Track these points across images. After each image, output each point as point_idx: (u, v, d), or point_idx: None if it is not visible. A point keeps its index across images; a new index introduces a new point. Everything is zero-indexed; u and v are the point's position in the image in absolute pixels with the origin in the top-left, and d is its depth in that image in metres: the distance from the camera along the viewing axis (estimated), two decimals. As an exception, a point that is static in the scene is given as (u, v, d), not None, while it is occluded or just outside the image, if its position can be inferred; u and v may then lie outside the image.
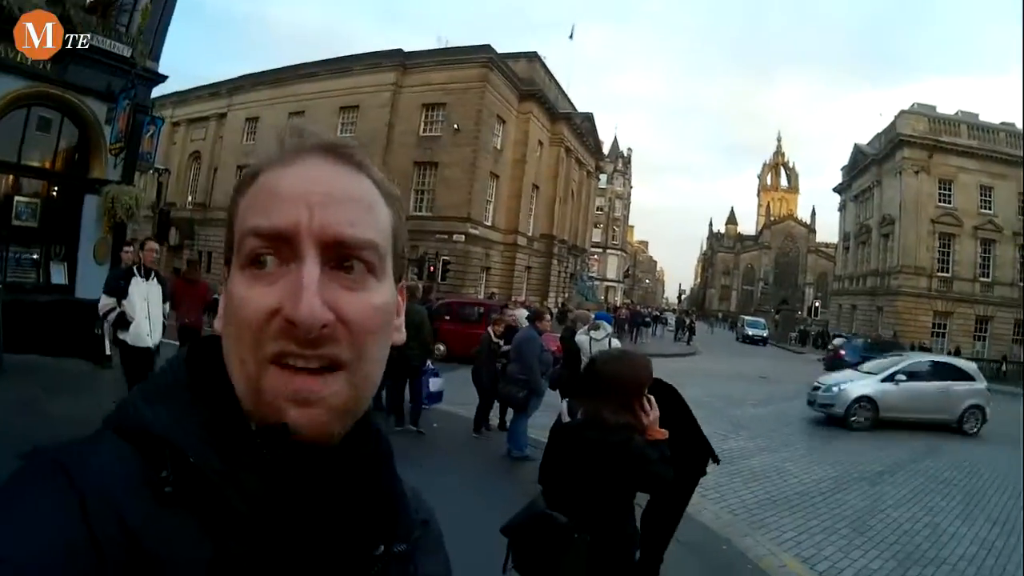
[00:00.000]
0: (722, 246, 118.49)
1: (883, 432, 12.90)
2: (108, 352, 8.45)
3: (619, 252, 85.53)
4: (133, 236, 11.43)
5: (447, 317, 17.81)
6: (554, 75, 44.28)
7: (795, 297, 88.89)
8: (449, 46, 38.25)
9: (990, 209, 40.72)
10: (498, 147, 37.67)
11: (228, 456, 0.61)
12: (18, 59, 9.47)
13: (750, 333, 49.51)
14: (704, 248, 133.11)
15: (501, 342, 9.12)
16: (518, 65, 38.68)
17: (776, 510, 7.49)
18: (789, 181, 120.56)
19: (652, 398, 2.83)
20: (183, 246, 41.61)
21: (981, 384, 14.59)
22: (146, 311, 6.83)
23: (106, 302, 6.81)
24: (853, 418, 13.37)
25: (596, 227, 73.76)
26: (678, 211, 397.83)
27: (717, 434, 9.87)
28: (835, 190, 57.92)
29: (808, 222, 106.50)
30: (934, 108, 43.68)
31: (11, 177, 10.95)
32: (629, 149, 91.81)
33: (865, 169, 48.91)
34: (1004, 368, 33.66)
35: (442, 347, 16.02)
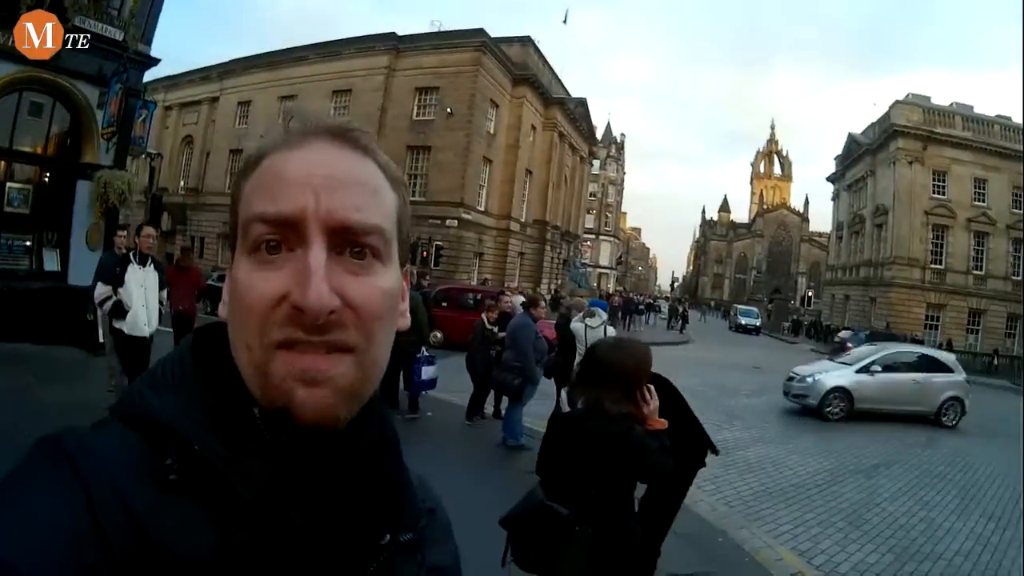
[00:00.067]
0: (715, 234, 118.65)
1: (877, 424, 12.93)
2: (101, 340, 8.36)
3: (612, 239, 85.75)
4: (125, 221, 11.36)
5: (444, 304, 17.84)
6: (548, 60, 44.27)
7: (788, 286, 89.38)
8: (442, 30, 38.05)
9: (984, 202, 40.82)
10: (491, 131, 37.62)
11: (233, 443, 0.61)
12: (9, 43, 9.35)
13: (743, 322, 49.67)
14: (697, 236, 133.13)
15: (495, 329, 9.12)
16: (511, 49, 38.58)
17: (772, 502, 7.50)
18: (782, 169, 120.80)
19: (652, 387, 2.81)
20: (175, 231, 41.41)
21: (960, 376, 14.46)
22: (143, 299, 6.70)
23: (102, 290, 6.68)
24: (827, 409, 13.27)
25: (589, 213, 73.88)
26: (671, 198, 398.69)
27: (711, 424, 9.88)
28: (829, 179, 57.90)
29: (801, 211, 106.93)
30: (929, 99, 43.63)
31: (3, 163, 10.83)
32: (622, 135, 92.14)
33: (859, 159, 48.95)
34: (995, 362, 33.90)
35: (439, 334, 16.02)
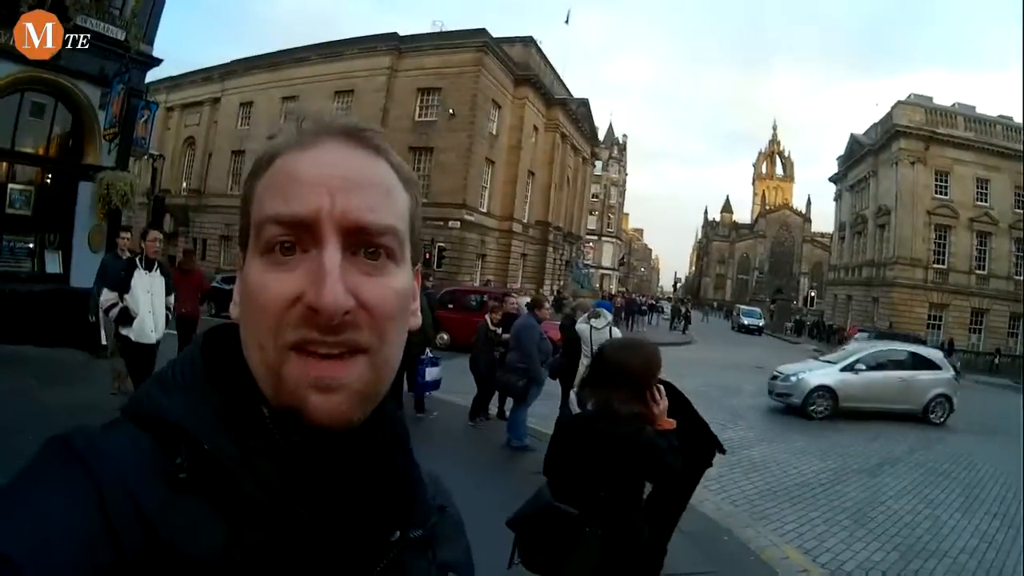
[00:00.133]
0: (717, 234, 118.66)
1: (879, 423, 12.90)
2: (104, 342, 8.33)
3: (614, 240, 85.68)
4: (128, 223, 11.34)
5: (451, 305, 17.88)
6: (550, 60, 44.24)
7: (790, 286, 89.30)
8: (444, 30, 38.07)
9: (986, 202, 40.71)
10: (493, 132, 37.60)
11: (243, 442, 0.61)
12: (10, 43, 9.34)
13: (746, 322, 49.67)
14: (699, 236, 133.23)
15: (499, 330, 9.11)
16: (513, 50, 38.58)
17: (777, 501, 7.49)
18: (784, 170, 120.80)
19: (662, 388, 2.79)
20: (177, 233, 41.38)
21: (947, 373, 14.32)
22: (149, 305, 6.53)
23: (107, 297, 6.51)
24: (811, 407, 13.18)
25: (591, 214, 73.79)
26: (673, 199, 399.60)
27: (715, 424, 9.78)
28: (831, 179, 57.80)
29: (803, 211, 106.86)
30: (931, 99, 43.52)
31: (4, 164, 10.82)
32: (624, 136, 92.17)
33: (861, 159, 48.83)
34: (997, 361, 33.88)
35: (446, 336, 16.10)
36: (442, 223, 33.31)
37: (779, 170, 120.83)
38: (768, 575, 5.34)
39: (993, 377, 30.17)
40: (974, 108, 43.47)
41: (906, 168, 40.89)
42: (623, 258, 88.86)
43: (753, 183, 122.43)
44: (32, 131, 11.05)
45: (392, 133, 34.03)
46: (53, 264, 11.08)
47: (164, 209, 19.06)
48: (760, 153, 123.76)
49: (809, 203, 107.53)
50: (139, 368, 6.40)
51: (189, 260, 10.41)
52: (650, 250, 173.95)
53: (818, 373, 13.78)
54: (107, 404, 6.75)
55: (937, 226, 40.94)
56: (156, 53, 12.20)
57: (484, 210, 37.47)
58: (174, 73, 44.55)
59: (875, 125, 47.24)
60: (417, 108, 36.27)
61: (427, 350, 8.86)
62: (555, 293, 38.46)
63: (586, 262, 67.63)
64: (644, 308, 41.34)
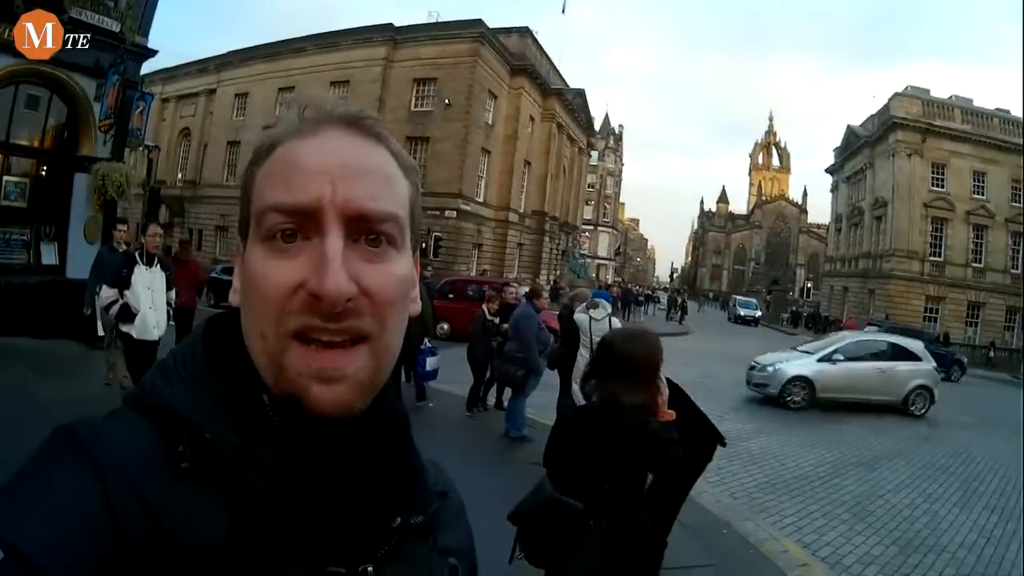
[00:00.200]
0: (713, 225, 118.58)
1: (877, 417, 12.92)
2: (100, 333, 8.29)
3: (610, 230, 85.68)
4: (124, 215, 11.30)
5: (451, 295, 17.89)
6: (545, 50, 44.12)
7: (786, 278, 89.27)
8: (440, 20, 37.94)
9: (983, 195, 40.74)
10: (489, 122, 37.54)
11: (244, 431, 0.62)
12: (5, 35, 9.27)
13: (742, 313, 49.80)
14: (695, 227, 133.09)
15: (496, 320, 9.10)
16: (509, 40, 38.48)
17: (776, 494, 7.50)
18: (781, 161, 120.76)
19: (665, 378, 2.78)
20: (173, 224, 41.31)
21: (928, 364, 14.17)
22: (150, 301, 6.45)
23: (108, 294, 6.39)
24: (788, 398, 13.15)
25: (587, 204, 73.79)
26: (669, 189, 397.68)
27: (713, 416, 9.82)
28: (827, 171, 57.83)
29: (800, 202, 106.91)
30: (928, 92, 43.52)
31: (0, 157, 10.76)
32: (620, 126, 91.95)
33: (858, 151, 48.83)
34: (992, 354, 33.96)
35: (446, 326, 16.15)
36: (438, 213, 33.21)
37: (775, 161, 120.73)
38: (768, 569, 5.33)
39: (988, 371, 30.23)
40: (971, 101, 43.40)
41: (903, 160, 40.88)
42: (619, 248, 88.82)
43: (749, 174, 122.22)
44: (28, 123, 11.00)
45: (388, 123, 33.23)
46: (49, 256, 11.04)
47: (160, 200, 18.98)
48: (756, 144, 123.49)
49: (805, 194, 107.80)
50: (141, 365, 6.29)
51: (185, 251, 10.41)
52: (646, 240, 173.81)
53: (795, 363, 13.74)
54: (102, 396, 6.74)
55: (934, 219, 40.96)
56: (151, 44, 12.16)
57: (480, 200, 37.40)
58: (170, 64, 44.49)
59: (872, 117, 47.23)
60: (413, 98, 36.19)
61: (425, 340, 8.86)
62: (552, 283, 38.47)
63: (582, 252, 67.66)
64: (640, 298, 41.35)
